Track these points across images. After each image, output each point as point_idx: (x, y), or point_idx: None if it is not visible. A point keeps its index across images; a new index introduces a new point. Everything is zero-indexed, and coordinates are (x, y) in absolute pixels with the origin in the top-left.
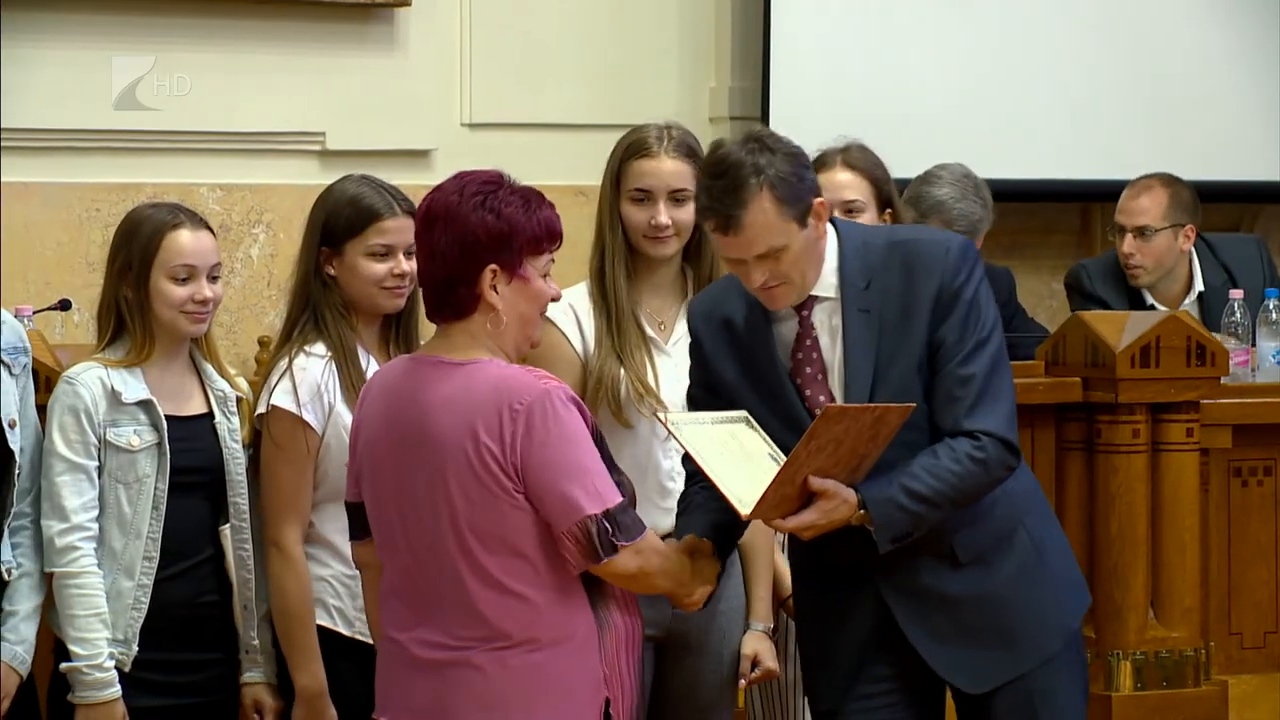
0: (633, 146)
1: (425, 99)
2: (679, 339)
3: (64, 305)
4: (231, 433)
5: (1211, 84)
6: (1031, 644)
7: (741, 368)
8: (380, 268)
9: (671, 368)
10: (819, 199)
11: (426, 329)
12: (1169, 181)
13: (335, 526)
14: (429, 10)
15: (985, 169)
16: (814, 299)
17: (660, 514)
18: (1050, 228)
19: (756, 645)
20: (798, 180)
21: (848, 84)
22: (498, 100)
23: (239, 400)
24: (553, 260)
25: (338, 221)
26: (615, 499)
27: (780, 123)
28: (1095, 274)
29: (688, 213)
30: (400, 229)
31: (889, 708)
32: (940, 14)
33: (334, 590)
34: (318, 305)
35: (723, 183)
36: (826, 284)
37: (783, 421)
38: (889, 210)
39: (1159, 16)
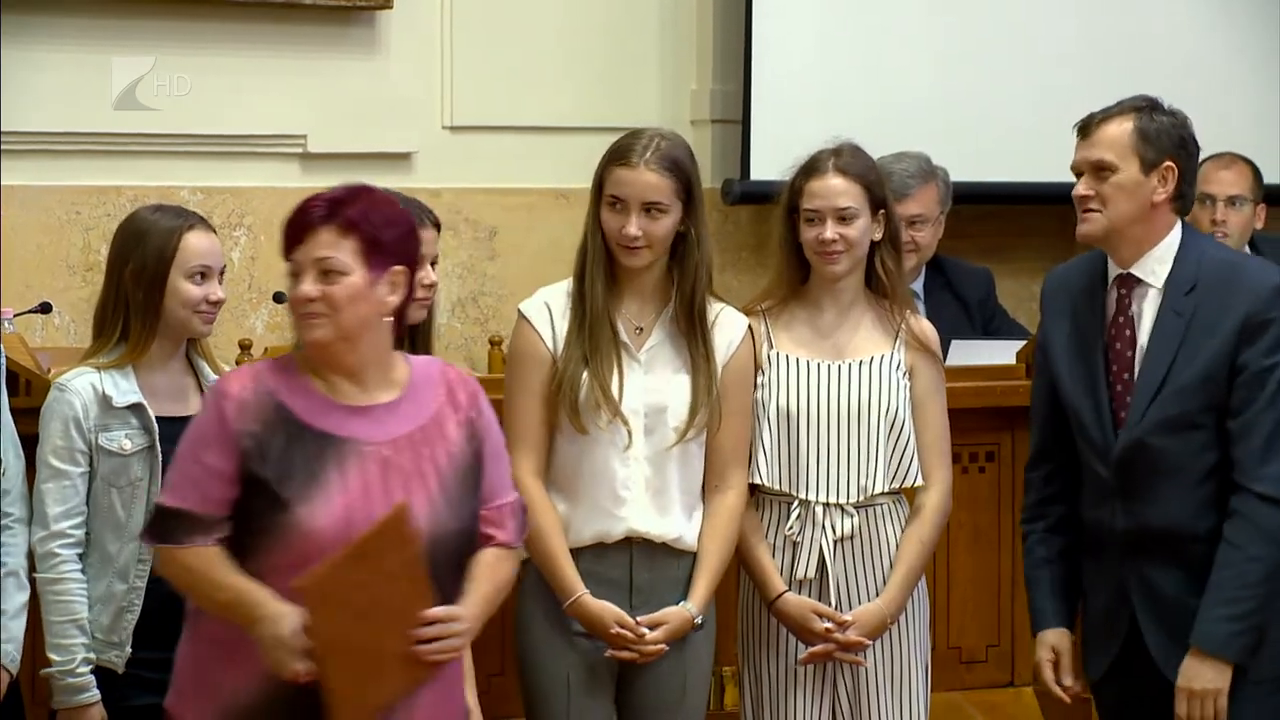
0: (617, 152)
1: (407, 101)
2: (654, 345)
3: (45, 308)
4: None
5: (1203, 86)
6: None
7: (1072, 334)
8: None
9: (640, 375)
10: (1170, 165)
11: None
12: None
13: None
14: (410, 12)
15: (966, 171)
16: (1136, 280)
17: (613, 521)
18: (1030, 230)
19: (669, 616)
20: (1168, 139)
21: (829, 87)
22: (479, 103)
23: None
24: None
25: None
26: (171, 500)
27: (762, 125)
28: None
29: (661, 226)
30: (426, 240)
31: (1130, 693)
32: (921, 16)
33: None
34: None
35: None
36: (1154, 273)
37: (1089, 390)
38: (882, 212)
39: (1144, 17)
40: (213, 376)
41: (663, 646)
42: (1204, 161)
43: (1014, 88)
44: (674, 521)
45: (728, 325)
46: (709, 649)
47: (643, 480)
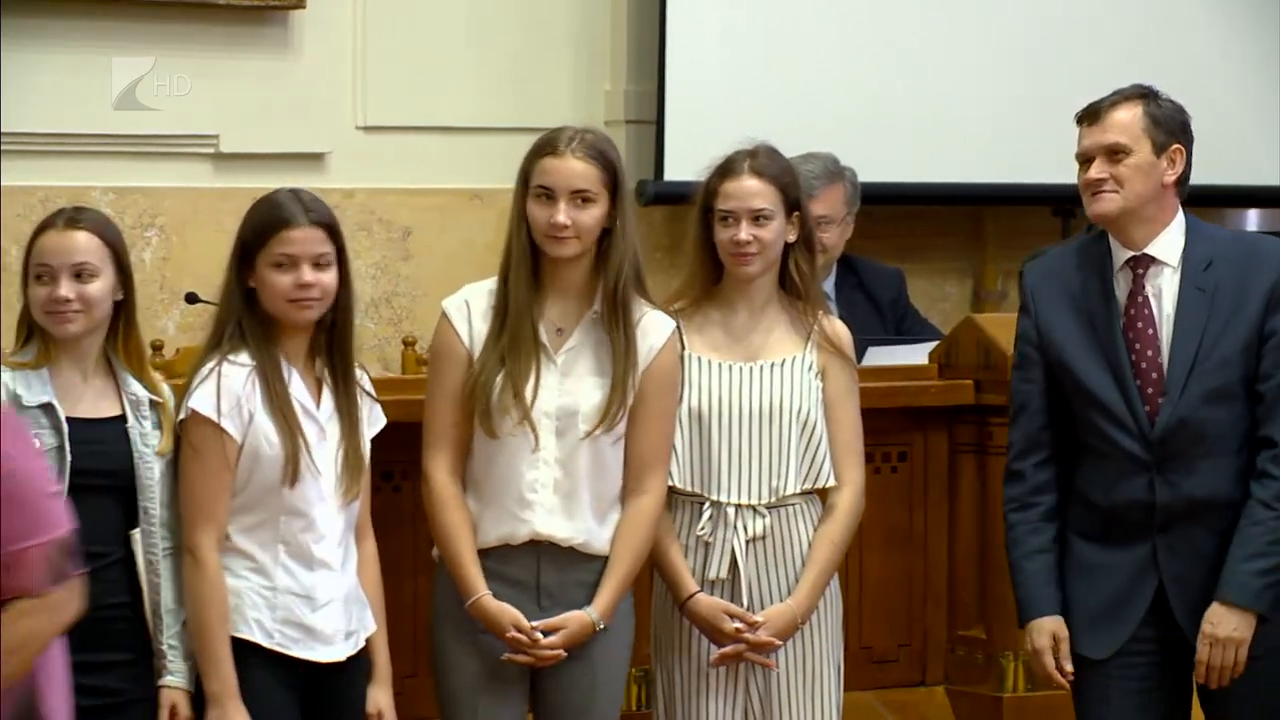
0: (543, 145)
1: (319, 102)
2: (573, 347)
3: None
4: (143, 437)
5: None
6: (1270, 635)
7: (1077, 321)
8: (285, 279)
9: (555, 378)
10: (1179, 147)
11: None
12: None
13: (253, 538)
14: (323, 13)
15: (880, 172)
16: (1151, 260)
17: (517, 523)
18: (942, 230)
19: (568, 621)
20: (1174, 124)
21: (743, 87)
22: (392, 103)
23: (159, 405)
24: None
25: (247, 233)
26: None
27: (676, 126)
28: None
29: (590, 215)
30: (306, 239)
31: (1148, 666)
32: (835, 17)
33: (253, 601)
34: (242, 316)
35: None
36: (1168, 252)
37: (1109, 371)
38: (796, 214)
39: (1046, 18)
40: (133, 384)
41: (560, 652)
42: None
43: (926, 88)
44: (582, 525)
45: (653, 329)
46: (623, 651)
47: (551, 483)
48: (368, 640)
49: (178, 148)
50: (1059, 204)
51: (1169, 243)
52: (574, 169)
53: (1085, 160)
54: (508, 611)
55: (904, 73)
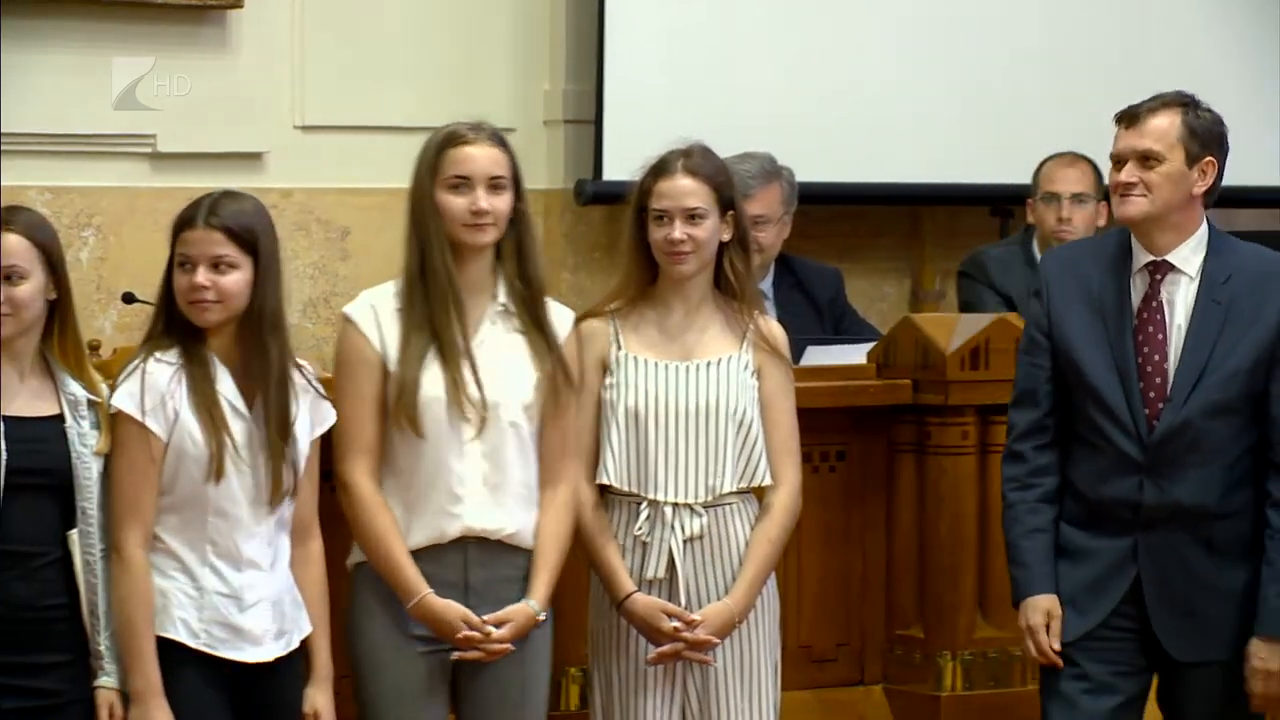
0: (449, 138)
1: (257, 101)
2: (484, 341)
3: None
4: (81, 437)
5: (1040, 89)
6: (1239, 640)
7: (1089, 315)
8: (183, 280)
9: (476, 372)
10: (1211, 160)
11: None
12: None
13: (181, 538)
14: (261, 12)
15: (818, 171)
16: (1170, 267)
17: (448, 519)
18: (881, 230)
19: (513, 614)
20: (1210, 135)
21: (681, 87)
22: (330, 103)
23: (98, 405)
24: None
25: (174, 230)
26: None
27: (614, 126)
28: (1000, 262)
29: (504, 202)
30: (202, 240)
31: (1114, 652)
32: (774, 16)
33: (180, 601)
34: (173, 312)
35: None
36: (1189, 261)
37: (1115, 370)
38: (731, 213)
39: (981, 18)
40: (71, 383)
41: (509, 646)
42: (1047, 161)
43: (867, 87)
44: (510, 516)
45: (555, 320)
46: (547, 647)
47: (479, 476)
48: (306, 640)
49: (115, 147)
50: (997, 204)
51: (1190, 252)
52: (489, 156)
53: (1119, 162)
54: (454, 608)
55: (842, 73)
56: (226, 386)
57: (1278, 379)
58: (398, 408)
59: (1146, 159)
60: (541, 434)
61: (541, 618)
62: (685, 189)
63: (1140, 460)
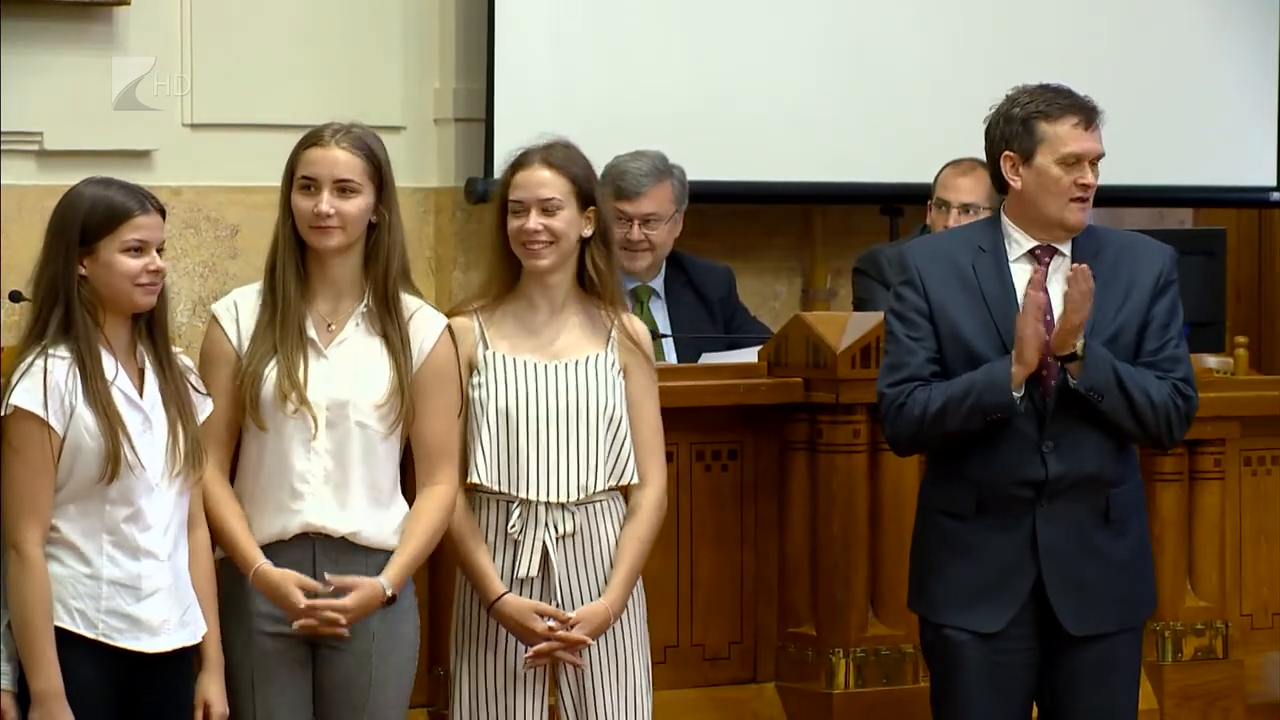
0: (307, 138)
1: (146, 99)
2: (344, 341)
3: None
4: None
5: (931, 88)
6: (1125, 613)
7: (969, 300)
8: (136, 264)
9: (326, 372)
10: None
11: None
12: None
13: (77, 527)
14: (149, 10)
15: (710, 171)
16: (1054, 250)
17: (289, 516)
18: (774, 229)
19: (359, 583)
20: None
21: (572, 85)
22: (220, 100)
23: None
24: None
25: (90, 221)
26: None
27: (505, 124)
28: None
29: (354, 205)
30: (153, 225)
31: (1033, 640)
32: (665, 15)
33: (75, 591)
34: (70, 306)
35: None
36: (1064, 243)
37: (996, 347)
38: (592, 208)
39: (885, 18)
40: None
41: (349, 615)
42: (946, 166)
43: (758, 86)
44: (354, 516)
45: (424, 324)
46: (412, 640)
47: (323, 473)
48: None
49: (1, 145)
50: (887, 203)
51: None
52: (337, 158)
53: (1075, 162)
54: (291, 574)
55: (733, 72)
56: (121, 378)
57: (1149, 339)
58: (242, 398)
59: (1094, 162)
60: (415, 438)
61: (389, 594)
62: (541, 179)
63: (1038, 435)
